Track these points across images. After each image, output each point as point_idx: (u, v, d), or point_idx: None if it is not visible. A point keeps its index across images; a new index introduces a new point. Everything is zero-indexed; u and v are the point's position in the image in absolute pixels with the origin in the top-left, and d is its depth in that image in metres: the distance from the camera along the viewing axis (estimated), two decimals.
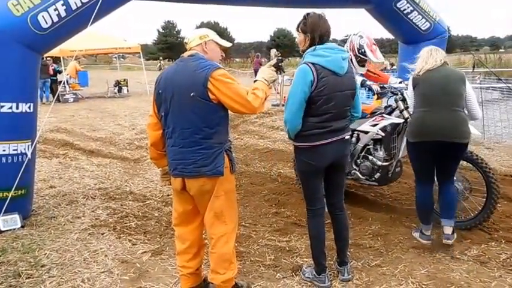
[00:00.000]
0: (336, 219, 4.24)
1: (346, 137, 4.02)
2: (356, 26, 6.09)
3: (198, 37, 3.66)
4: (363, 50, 5.77)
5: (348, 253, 4.40)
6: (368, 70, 6.27)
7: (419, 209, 4.97)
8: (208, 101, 3.40)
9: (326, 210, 4.21)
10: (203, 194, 3.58)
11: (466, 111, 4.63)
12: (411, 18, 7.49)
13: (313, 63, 3.72)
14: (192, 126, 3.43)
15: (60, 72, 21.12)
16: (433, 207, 5.00)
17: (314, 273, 4.17)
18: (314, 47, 3.80)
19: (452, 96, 4.53)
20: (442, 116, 4.46)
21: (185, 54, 3.62)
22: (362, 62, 5.91)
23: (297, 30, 3.95)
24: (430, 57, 4.65)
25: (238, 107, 3.43)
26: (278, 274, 4.33)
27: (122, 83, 23.55)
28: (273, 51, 29.81)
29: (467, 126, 4.55)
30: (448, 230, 4.82)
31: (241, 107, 3.43)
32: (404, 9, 7.39)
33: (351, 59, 5.84)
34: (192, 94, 3.38)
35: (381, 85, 5.74)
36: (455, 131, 4.47)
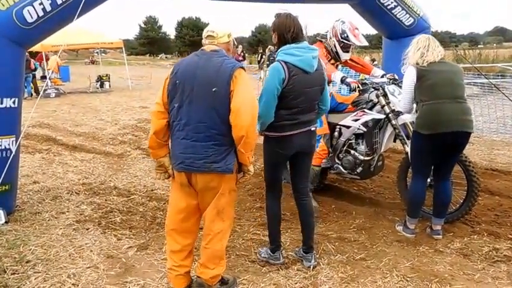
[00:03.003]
0: (301, 205, 4.45)
1: (312, 129, 4.27)
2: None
3: (227, 35, 3.68)
4: (345, 35, 5.80)
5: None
6: (351, 60, 6.32)
7: (411, 202, 5.04)
8: (229, 98, 3.42)
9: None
10: (208, 190, 3.60)
11: None
12: (395, 13, 7.52)
13: (285, 62, 3.96)
14: (209, 121, 3.44)
15: (36, 68, 20.84)
16: (424, 201, 5.08)
17: (269, 252, 4.45)
18: (286, 45, 4.04)
19: (460, 88, 4.67)
20: (454, 106, 4.57)
21: (207, 49, 3.60)
22: (346, 48, 5.95)
23: (271, 29, 4.23)
24: (429, 48, 4.71)
25: (241, 104, 3.41)
26: (264, 268, 4.36)
27: (104, 78, 23.33)
28: (240, 48, 30.15)
29: (472, 116, 4.70)
30: (437, 226, 4.94)
31: (243, 108, 3.41)
32: (388, 5, 7.42)
33: (335, 45, 5.91)
34: (214, 89, 3.40)
35: (362, 81, 5.77)
36: (466, 121, 4.60)
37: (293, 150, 4.16)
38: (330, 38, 5.93)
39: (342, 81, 5.58)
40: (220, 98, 3.42)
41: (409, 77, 4.75)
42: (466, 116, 4.61)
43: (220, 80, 3.42)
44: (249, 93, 3.51)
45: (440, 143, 4.64)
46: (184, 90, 3.47)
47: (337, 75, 5.66)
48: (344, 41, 5.82)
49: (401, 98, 4.94)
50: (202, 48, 3.65)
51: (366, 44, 6.06)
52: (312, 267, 4.35)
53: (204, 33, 3.68)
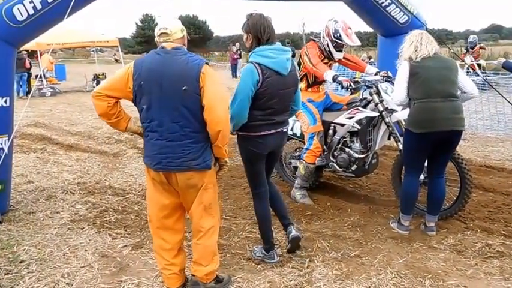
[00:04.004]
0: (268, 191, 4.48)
1: (284, 130, 4.33)
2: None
3: (180, 30, 3.66)
4: (338, 35, 5.81)
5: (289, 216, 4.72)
6: (345, 58, 6.32)
7: (404, 199, 5.03)
8: (200, 95, 3.42)
9: None
10: (189, 188, 3.59)
11: (464, 94, 4.78)
12: (389, 11, 7.52)
13: (259, 64, 3.94)
14: (183, 120, 3.42)
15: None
16: (418, 198, 5.09)
17: (263, 251, 4.46)
18: (260, 46, 4.02)
19: (452, 86, 4.65)
20: (446, 105, 4.56)
21: (168, 46, 3.53)
22: (339, 47, 5.97)
23: (242, 30, 4.19)
24: (422, 41, 4.69)
25: (213, 100, 3.43)
26: (259, 266, 4.36)
27: (100, 76, 23.26)
28: (236, 47, 29.83)
29: (463, 114, 4.70)
30: (431, 223, 4.95)
31: (217, 103, 3.44)
32: (382, 2, 7.43)
33: (328, 45, 5.91)
34: (184, 88, 3.37)
35: (355, 80, 5.78)
36: (457, 120, 4.59)
37: (267, 149, 4.19)
38: (323, 38, 5.95)
39: (334, 79, 5.57)
40: (191, 95, 3.40)
41: (403, 70, 4.72)
42: (458, 115, 4.60)
43: (189, 77, 3.40)
44: (219, 88, 3.56)
45: (432, 141, 4.64)
46: (152, 90, 3.42)
47: (328, 74, 5.66)
48: (337, 40, 5.84)
49: (395, 91, 4.91)
50: (162, 46, 3.57)
51: (359, 43, 6.07)
52: (295, 236, 4.47)
53: (157, 32, 3.63)
